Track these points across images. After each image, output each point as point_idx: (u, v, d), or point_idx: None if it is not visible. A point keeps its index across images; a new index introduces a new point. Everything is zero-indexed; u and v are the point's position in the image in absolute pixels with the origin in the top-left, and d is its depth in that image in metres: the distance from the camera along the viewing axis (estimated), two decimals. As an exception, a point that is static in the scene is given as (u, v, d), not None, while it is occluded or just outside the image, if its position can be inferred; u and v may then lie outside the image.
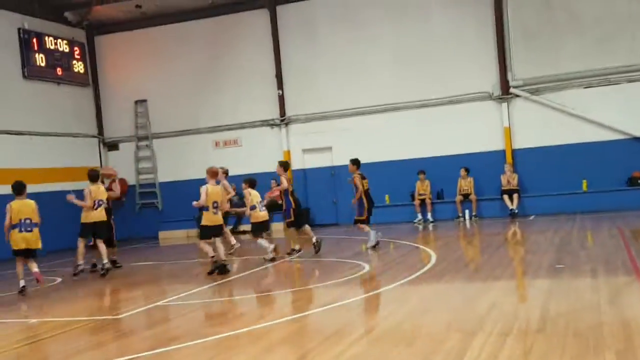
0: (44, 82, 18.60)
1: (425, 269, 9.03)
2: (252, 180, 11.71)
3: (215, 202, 10.26)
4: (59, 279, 11.26)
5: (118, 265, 12.14)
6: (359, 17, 18.26)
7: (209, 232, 10.36)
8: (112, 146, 20.98)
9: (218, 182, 11.01)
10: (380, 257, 11.10)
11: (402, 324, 5.99)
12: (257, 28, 19.19)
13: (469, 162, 16.94)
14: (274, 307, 7.80)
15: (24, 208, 9.50)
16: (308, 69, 18.75)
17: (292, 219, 12.00)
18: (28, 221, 9.48)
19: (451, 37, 17.45)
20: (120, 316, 7.75)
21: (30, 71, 18.05)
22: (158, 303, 8.34)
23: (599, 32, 16.22)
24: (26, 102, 17.90)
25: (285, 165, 12.35)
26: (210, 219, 10.27)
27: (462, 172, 16.84)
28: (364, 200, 11.91)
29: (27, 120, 17.82)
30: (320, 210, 18.69)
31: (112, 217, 12.11)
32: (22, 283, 9.57)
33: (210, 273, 10.02)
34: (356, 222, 12.25)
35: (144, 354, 5.70)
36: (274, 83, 19.12)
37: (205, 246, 10.32)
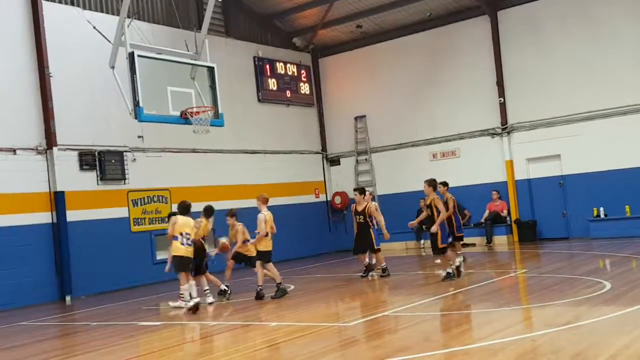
0: (275, 104, 20.26)
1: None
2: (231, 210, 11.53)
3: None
4: (292, 286, 12.04)
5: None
6: (591, 15, 16.83)
7: (268, 257, 10.64)
8: (334, 161, 22.04)
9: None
10: (623, 274, 10.00)
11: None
12: (476, 36, 18.75)
13: None
14: (505, 323, 7.43)
15: (186, 223, 10.19)
16: (532, 73, 17.78)
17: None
18: (187, 236, 10.11)
19: None
20: (349, 324, 8.02)
21: (263, 95, 19.81)
22: (385, 313, 8.47)
23: None
24: (260, 123, 19.64)
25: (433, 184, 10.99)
26: (267, 244, 10.61)
27: None
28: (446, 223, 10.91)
29: (261, 140, 19.53)
30: (548, 223, 17.53)
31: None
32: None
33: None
34: (440, 251, 10.73)
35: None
36: (495, 91, 18.47)
37: None
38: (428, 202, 10.89)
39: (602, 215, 16.46)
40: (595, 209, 16.61)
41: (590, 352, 5.50)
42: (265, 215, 10.63)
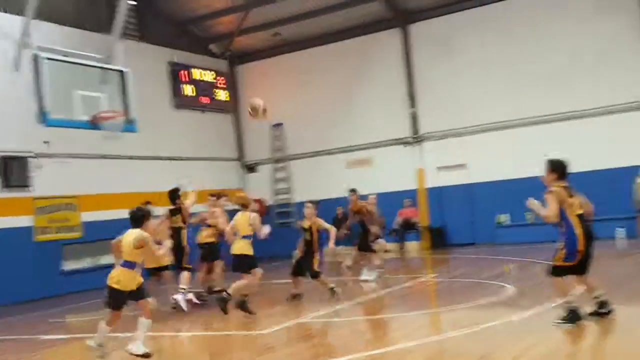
0: (191, 110, 19.96)
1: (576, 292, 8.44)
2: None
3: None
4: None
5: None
6: (499, 29, 17.65)
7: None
8: (251, 169, 21.99)
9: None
10: (525, 279, 10.57)
11: (554, 353, 5.63)
12: (389, 47, 19.30)
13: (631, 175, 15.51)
14: (414, 327, 7.67)
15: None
16: (443, 85, 18.49)
17: None
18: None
19: (596, 46, 16.41)
20: (263, 332, 8.02)
21: (179, 101, 19.48)
22: (300, 320, 8.53)
23: None
24: (176, 129, 19.28)
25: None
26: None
27: None
28: (576, 232, 6.50)
29: (177, 146, 19.18)
30: (456, 229, 18.25)
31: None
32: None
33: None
34: (556, 271, 6.58)
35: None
36: (407, 101, 19.08)
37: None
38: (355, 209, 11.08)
39: (507, 222, 17.34)
40: (500, 215, 17.47)
41: (495, 354, 5.79)
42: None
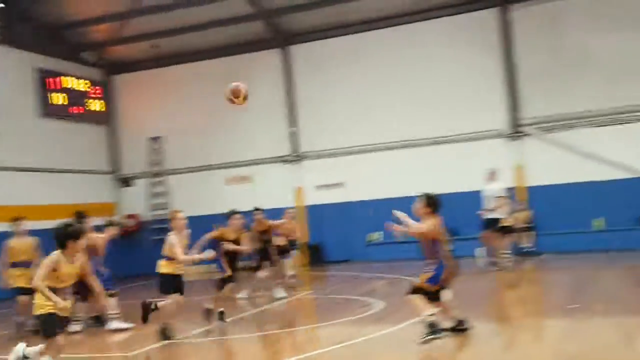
0: (61, 120, 18.97)
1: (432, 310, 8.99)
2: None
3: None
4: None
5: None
6: (372, 59, 18.56)
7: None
8: (127, 182, 21.26)
9: None
10: (394, 294, 11.09)
11: None
12: (271, 67, 19.57)
13: (478, 200, 16.89)
14: (289, 344, 7.81)
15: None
16: (321, 106, 19.03)
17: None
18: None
19: (462, 77, 17.68)
20: (133, 353, 7.80)
21: (48, 110, 18.45)
22: (172, 340, 8.38)
23: (609, 72, 16.37)
24: (44, 139, 18.24)
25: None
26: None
27: None
28: (445, 264, 6.99)
29: (44, 157, 18.14)
30: (333, 246, 18.74)
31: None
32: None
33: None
34: (415, 290, 6.91)
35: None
36: (288, 120, 19.41)
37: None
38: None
39: (379, 240, 18.08)
40: (372, 234, 18.18)
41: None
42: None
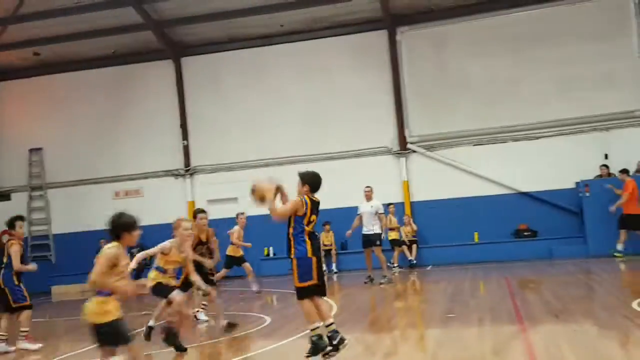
0: None
1: (329, 320, 9.17)
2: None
3: None
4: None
5: None
6: (265, 74, 18.76)
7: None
8: (3, 196, 19.96)
9: None
10: (282, 309, 11.17)
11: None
12: (162, 78, 19.23)
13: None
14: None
15: None
16: (214, 120, 18.92)
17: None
18: None
19: (353, 96, 18.27)
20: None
21: None
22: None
23: (487, 95, 17.57)
24: None
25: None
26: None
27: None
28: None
29: None
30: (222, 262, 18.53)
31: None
32: None
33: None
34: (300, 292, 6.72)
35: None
36: (179, 133, 19.11)
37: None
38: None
39: (271, 255, 18.15)
40: (266, 248, 18.23)
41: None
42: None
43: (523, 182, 17.20)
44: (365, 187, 13.85)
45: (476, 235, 17.36)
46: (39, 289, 18.52)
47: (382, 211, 13.89)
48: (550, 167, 16.94)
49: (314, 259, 6.64)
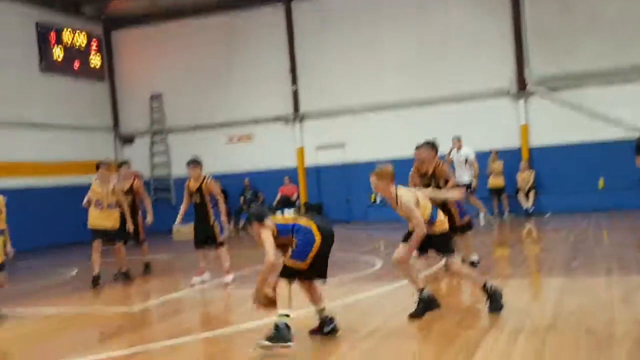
0: (61, 75, 18.77)
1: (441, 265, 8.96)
2: None
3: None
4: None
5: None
6: (376, 13, 18.18)
7: None
8: (127, 140, 21.14)
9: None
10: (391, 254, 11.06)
11: (414, 321, 5.95)
12: (272, 23, 19.22)
13: (485, 159, 16.69)
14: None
15: None
16: (323, 64, 18.73)
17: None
18: None
19: (468, 34, 17.35)
20: (135, 308, 7.82)
21: (47, 65, 18.23)
22: (173, 295, 8.40)
23: (619, 31, 16.04)
24: (43, 95, 18.08)
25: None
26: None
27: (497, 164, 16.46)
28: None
29: (44, 114, 18.01)
30: (333, 207, 18.69)
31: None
32: None
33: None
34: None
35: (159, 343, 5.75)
36: (289, 78, 19.14)
37: None
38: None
39: (378, 201, 18.01)
40: (372, 195, 18.06)
41: (357, 326, 5.98)
42: None
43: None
44: (454, 137, 14.30)
45: (601, 181, 16.21)
46: (162, 228, 19.67)
47: (473, 157, 14.23)
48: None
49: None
